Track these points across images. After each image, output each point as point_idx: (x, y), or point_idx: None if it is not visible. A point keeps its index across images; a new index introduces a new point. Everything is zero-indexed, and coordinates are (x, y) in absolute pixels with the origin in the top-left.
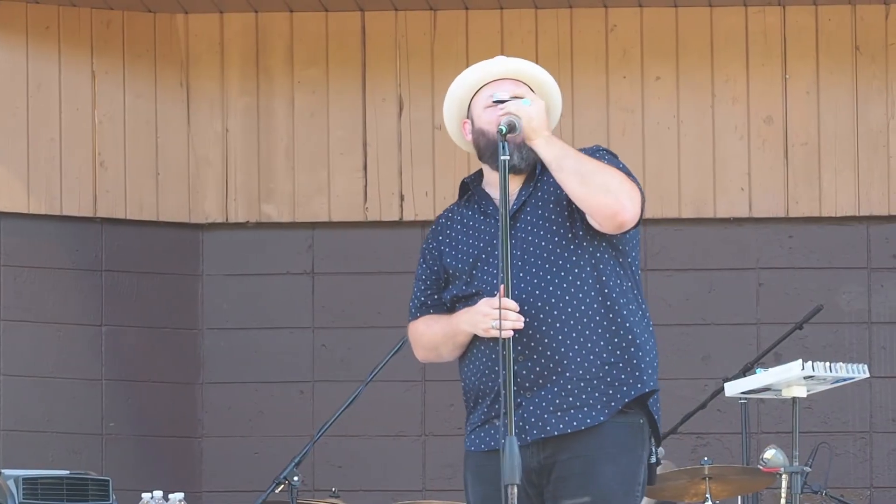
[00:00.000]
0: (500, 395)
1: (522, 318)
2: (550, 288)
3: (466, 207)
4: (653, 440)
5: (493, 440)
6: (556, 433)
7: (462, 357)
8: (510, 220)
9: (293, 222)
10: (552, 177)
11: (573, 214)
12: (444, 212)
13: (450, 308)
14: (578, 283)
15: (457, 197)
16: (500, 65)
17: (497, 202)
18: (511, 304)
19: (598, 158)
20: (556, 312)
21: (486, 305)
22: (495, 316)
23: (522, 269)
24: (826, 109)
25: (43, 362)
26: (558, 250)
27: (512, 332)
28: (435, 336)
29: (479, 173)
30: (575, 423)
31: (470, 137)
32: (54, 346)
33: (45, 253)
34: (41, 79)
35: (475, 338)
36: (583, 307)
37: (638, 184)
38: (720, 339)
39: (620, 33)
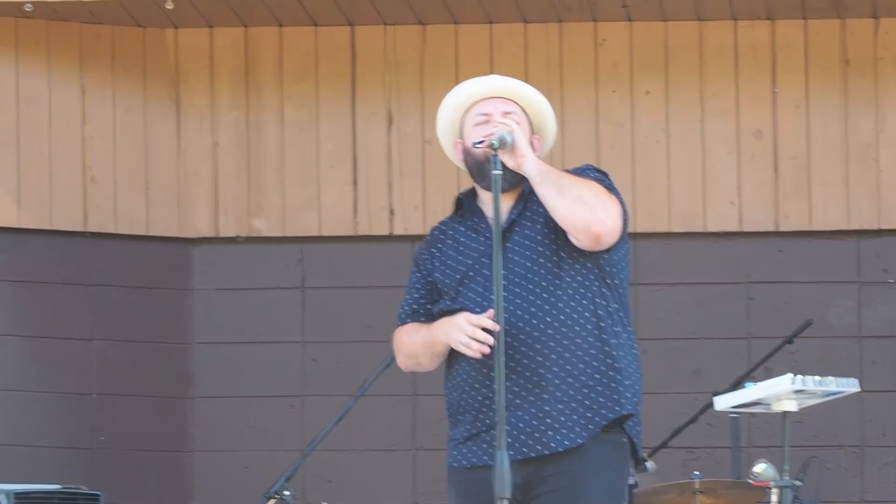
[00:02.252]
0: (482, 412)
1: (491, 340)
2: (533, 309)
3: (459, 223)
4: (632, 462)
5: (475, 456)
6: (532, 455)
7: (446, 371)
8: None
9: (283, 237)
10: None
11: (559, 235)
12: (438, 224)
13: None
14: (561, 304)
15: (452, 211)
16: (489, 83)
17: (490, 220)
18: (488, 322)
19: (585, 176)
20: (536, 334)
21: (463, 319)
22: (468, 332)
23: (507, 289)
24: (815, 123)
25: (33, 376)
26: (543, 271)
27: (480, 355)
28: (415, 344)
29: (474, 190)
30: (553, 445)
31: (462, 157)
32: (45, 361)
33: (36, 267)
34: (31, 93)
35: (458, 353)
36: (564, 329)
37: (620, 200)
38: (711, 354)
39: (610, 47)
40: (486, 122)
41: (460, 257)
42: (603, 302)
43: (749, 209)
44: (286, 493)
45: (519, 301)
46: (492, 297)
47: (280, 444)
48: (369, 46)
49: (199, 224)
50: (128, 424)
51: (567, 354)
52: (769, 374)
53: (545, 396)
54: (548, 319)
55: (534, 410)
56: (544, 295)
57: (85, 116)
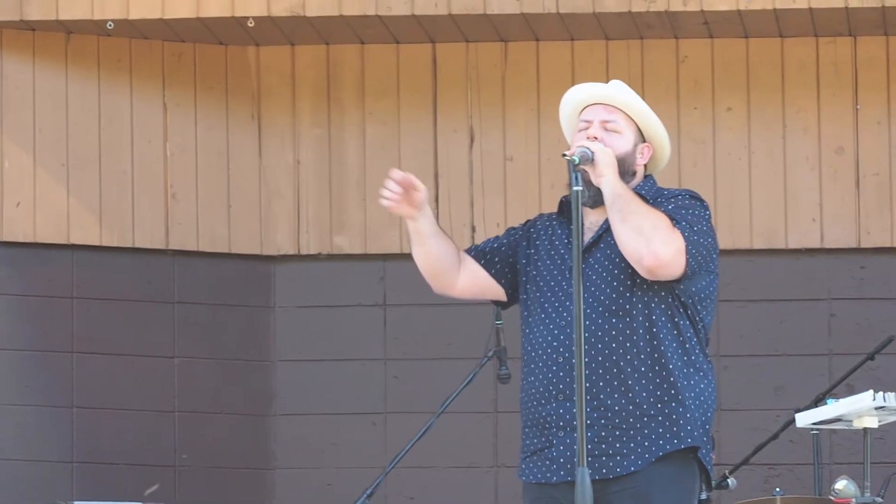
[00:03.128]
0: (546, 428)
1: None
2: (600, 333)
3: (558, 225)
4: (703, 484)
5: (539, 472)
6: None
7: (521, 384)
8: (584, 253)
9: (365, 254)
10: None
11: None
12: (545, 216)
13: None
14: (628, 331)
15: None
16: (591, 90)
17: (585, 229)
18: (398, 175)
19: (673, 202)
20: (600, 358)
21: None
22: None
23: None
24: None
25: (115, 394)
26: (614, 295)
27: (388, 202)
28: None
29: None
30: (604, 471)
31: None
32: (127, 378)
33: (118, 285)
34: (113, 111)
35: (528, 367)
36: (628, 356)
37: (701, 230)
38: (792, 370)
39: (691, 64)
40: (586, 129)
41: (548, 261)
42: (675, 331)
43: (830, 226)
44: None
45: (587, 323)
46: (565, 313)
47: (361, 461)
48: (451, 63)
49: (280, 241)
50: (210, 442)
51: (630, 382)
52: (851, 391)
53: (602, 421)
54: (613, 345)
55: (590, 434)
56: (613, 319)
57: (167, 134)
